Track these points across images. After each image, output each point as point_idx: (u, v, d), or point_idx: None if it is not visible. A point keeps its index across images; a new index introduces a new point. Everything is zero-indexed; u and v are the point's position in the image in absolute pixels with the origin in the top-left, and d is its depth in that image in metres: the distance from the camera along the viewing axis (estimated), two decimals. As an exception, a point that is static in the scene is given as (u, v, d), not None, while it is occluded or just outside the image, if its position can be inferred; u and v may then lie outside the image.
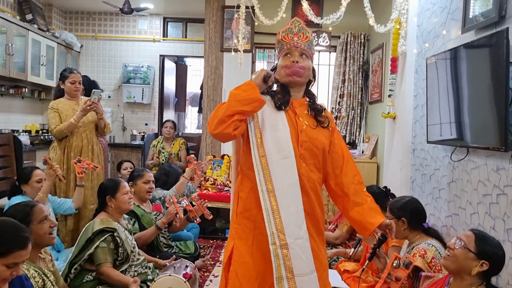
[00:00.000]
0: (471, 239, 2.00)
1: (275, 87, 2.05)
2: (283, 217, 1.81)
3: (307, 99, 2.03)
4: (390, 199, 3.21)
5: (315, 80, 2.09)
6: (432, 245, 2.46)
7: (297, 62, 1.92)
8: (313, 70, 2.06)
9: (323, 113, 2.02)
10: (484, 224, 2.63)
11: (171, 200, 3.33)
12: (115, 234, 2.66)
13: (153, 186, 3.47)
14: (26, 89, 5.67)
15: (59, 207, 3.32)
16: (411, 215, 2.61)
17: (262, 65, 6.08)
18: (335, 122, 5.62)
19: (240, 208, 1.96)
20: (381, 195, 3.28)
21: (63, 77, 3.74)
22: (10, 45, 4.90)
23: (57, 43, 6.09)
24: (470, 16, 2.80)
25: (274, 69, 2.06)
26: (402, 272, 2.28)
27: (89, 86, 4.49)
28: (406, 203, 2.67)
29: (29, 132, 5.69)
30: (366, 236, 2.06)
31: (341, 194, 2.02)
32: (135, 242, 2.87)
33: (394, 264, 2.26)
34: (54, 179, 3.18)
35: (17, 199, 2.94)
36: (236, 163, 2.08)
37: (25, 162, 4.78)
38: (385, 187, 3.54)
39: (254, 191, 1.88)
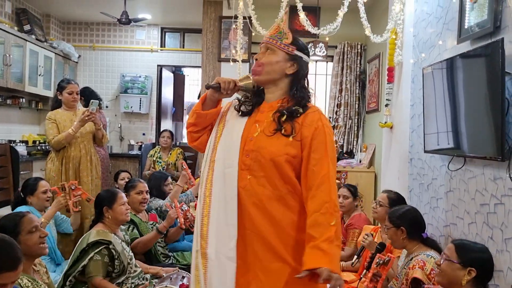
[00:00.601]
0: (452, 250, 2.06)
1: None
2: (210, 224, 1.65)
3: (283, 101, 1.76)
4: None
5: (302, 73, 1.79)
6: (431, 257, 2.44)
7: (256, 60, 1.76)
8: (297, 61, 1.76)
9: (286, 118, 1.70)
10: (482, 234, 2.63)
11: (173, 204, 3.31)
12: (111, 246, 2.63)
13: (147, 196, 3.44)
14: (24, 100, 5.66)
15: (60, 224, 3.32)
16: (410, 224, 2.60)
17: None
18: (334, 133, 5.64)
19: None
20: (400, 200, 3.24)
21: (60, 88, 3.75)
22: (7, 55, 4.91)
23: (55, 53, 6.10)
24: (466, 27, 2.81)
25: None
26: (381, 270, 2.31)
27: (90, 97, 4.52)
28: (405, 212, 2.66)
29: (26, 142, 5.68)
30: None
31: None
32: (132, 254, 2.84)
33: (378, 264, 2.28)
34: (61, 209, 3.15)
35: (21, 210, 2.93)
36: None
37: (21, 172, 4.76)
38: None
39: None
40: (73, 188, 3.22)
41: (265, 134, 1.70)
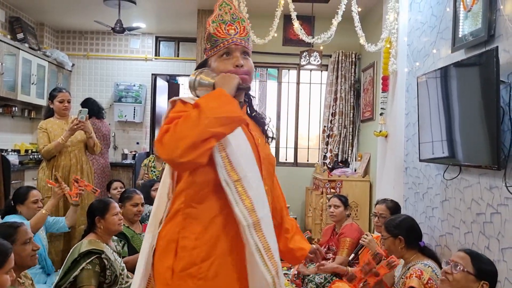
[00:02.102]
0: (468, 261, 1.97)
1: None
2: (275, 255, 1.43)
3: (247, 108, 1.62)
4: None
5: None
6: (429, 266, 2.42)
7: (242, 66, 1.49)
8: None
9: (268, 124, 1.67)
10: (478, 244, 2.61)
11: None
12: (103, 256, 2.58)
13: (142, 209, 3.39)
14: (16, 108, 5.61)
15: (52, 226, 3.26)
16: (407, 233, 2.57)
17: (253, 84, 6.09)
18: (326, 141, 5.66)
19: (182, 263, 1.37)
20: (398, 208, 3.22)
21: (52, 97, 3.72)
22: (0, 64, 4.87)
23: (48, 62, 6.07)
24: (460, 35, 2.82)
25: (200, 66, 1.58)
26: (382, 270, 2.28)
27: (93, 107, 4.52)
28: (402, 221, 2.63)
29: (18, 151, 5.62)
30: (295, 264, 1.85)
31: (275, 223, 1.57)
32: (124, 265, 2.79)
33: (376, 261, 2.27)
34: (60, 198, 3.20)
35: (11, 219, 2.89)
36: (172, 198, 1.48)
37: (13, 182, 4.70)
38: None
39: (207, 233, 1.39)
40: (76, 181, 3.27)
41: (263, 141, 1.59)
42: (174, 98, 1.49)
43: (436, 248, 3.13)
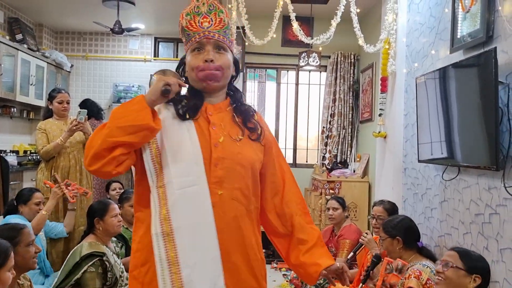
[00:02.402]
0: (456, 257, 2.05)
1: (184, 91, 1.51)
2: (184, 272, 1.29)
3: (231, 101, 1.52)
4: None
5: (238, 74, 1.58)
6: (427, 266, 2.42)
7: (211, 61, 1.40)
8: (236, 62, 1.53)
9: (250, 120, 1.50)
10: (477, 244, 2.61)
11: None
12: (104, 258, 2.58)
13: None
14: (15, 109, 5.60)
15: (51, 230, 3.26)
16: (405, 234, 2.58)
17: (253, 85, 6.10)
18: (325, 142, 5.66)
19: (131, 265, 1.41)
20: (396, 209, 3.21)
21: (51, 97, 3.72)
22: (-1, 65, 4.87)
23: (47, 63, 6.06)
24: (458, 36, 2.82)
25: (180, 66, 1.53)
26: (395, 278, 2.28)
27: (91, 108, 4.51)
28: (400, 222, 2.64)
29: (17, 152, 5.62)
30: (311, 284, 1.65)
31: (283, 231, 1.56)
32: (123, 266, 2.79)
33: (387, 271, 2.25)
34: (59, 198, 3.22)
35: (13, 218, 2.89)
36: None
37: (11, 183, 4.69)
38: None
39: (147, 237, 1.35)
40: (68, 184, 3.27)
41: (232, 139, 1.43)
42: None
43: (435, 249, 3.13)
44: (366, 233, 2.92)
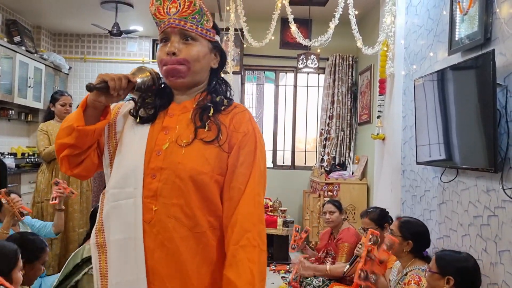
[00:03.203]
0: (433, 262, 2.13)
1: None
2: (109, 285, 1.21)
3: (200, 97, 1.31)
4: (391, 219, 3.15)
5: (223, 64, 1.38)
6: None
7: (174, 54, 1.24)
8: (219, 50, 1.35)
9: (209, 114, 1.26)
10: (475, 246, 2.61)
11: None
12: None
13: None
14: (13, 111, 5.59)
15: (38, 232, 3.20)
16: (418, 241, 2.55)
17: (251, 87, 6.10)
18: (323, 144, 5.65)
19: None
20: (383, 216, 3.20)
21: (53, 99, 3.75)
22: (-4, 67, 4.86)
23: (45, 65, 6.05)
24: (456, 38, 2.83)
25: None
26: (385, 254, 2.31)
27: None
28: (418, 230, 2.61)
29: (15, 155, 5.60)
30: None
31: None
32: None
33: (371, 241, 2.28)
34: (13, 215, 2.87)
35: None
36: None
37: (9, 185, 4.67)
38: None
39: None
40: (56, 184, 3.10)
41: (179, 145, 1.22)
42: None
43: (433, 251, 3.13)
44: (361, 245, 2.89)
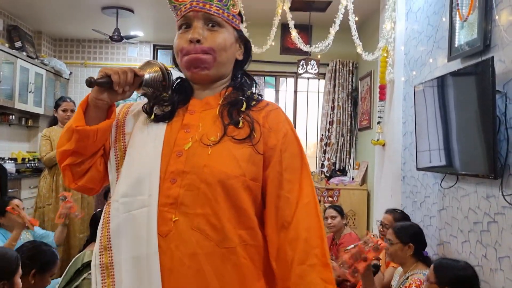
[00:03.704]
0: (431, 271, 2.14)
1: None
2: None
3: (226, 93, 1.15)
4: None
5: (248, 57, 1.21)
6: (427, 275, 2.42)
7: (198, 41, 1.08)
8: (244, 40, 1.19)
9: (239, 111, 1.10)
10: (475, 253, 2.60)
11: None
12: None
13: None
14: (13, 117, 5.60)
15: (41, 240, 3.21)
16: (417, 242, 2.58)
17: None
18: (323, 149, 5.64)
19: None
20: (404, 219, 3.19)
21: (56, 105, 3.81)
22: (-2, 72, 4.87)
23: (46, 70, 6.07)
24: (456, 45, 2.84)
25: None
26: (371, 254, 2.34)
27: None
28: (415, 230, 2.65)
29: (15, 160, 5.60)
30: None
31: (278, 273, 1.06)
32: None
33: (367, 246, 2.34)
34: (23, 228, 2.92)
35: None
36: None
37: (10, 190, 4.67)
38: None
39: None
40: (63, 199, 3.13)
41: (204, 144, 1.05)
42: None
43: (433, 257, 3.13)
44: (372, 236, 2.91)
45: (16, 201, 2.98)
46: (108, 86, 1.04)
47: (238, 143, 1.05)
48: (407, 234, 2.59)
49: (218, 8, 1.10)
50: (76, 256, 2.65)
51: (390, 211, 3.18)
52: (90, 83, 1.02)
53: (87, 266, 2.55)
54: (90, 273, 2.49)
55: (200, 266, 1.00)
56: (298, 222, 1.04)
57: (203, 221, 1.01)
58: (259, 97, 1.17)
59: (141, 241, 1.00)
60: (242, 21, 1.20)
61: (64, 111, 3.73)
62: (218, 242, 1.01)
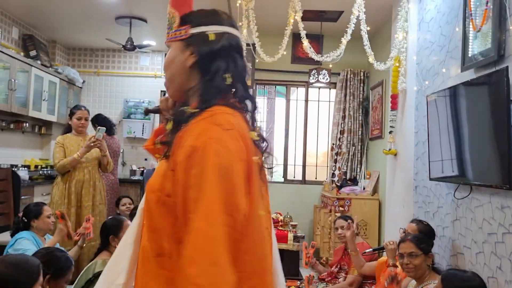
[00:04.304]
0: (439, 282, 2.17)
1: None
2: None
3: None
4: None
5: (202, 55, 1.09)
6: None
7: None
8: (196, 44, 1.10)
9: (171, 129, 1.07)
10: (490, 264, 2.57)
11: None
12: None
13: None
14: (27, 124, 5.67)
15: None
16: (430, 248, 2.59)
17: (262, 102, 6.14)
18: (334, 159, 5.61)
19: None
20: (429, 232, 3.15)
21: (71, 113, 3.84)
22: (12, 80, 4.94)
23: (60, 78, 6.15)
24: (469, 55, 2.83)
25: None
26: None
27: (103, 123, 4.55)
28: (431, 239, 2.68)
29: (28, 167, 5.66)
30: None
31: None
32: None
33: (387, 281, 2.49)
34: (63, 236, 3.04)
35: (24, 234, 2.89)
36: None
37: (22, 197, 4.72)
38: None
39: None
40: (87, 220, 3.14)
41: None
42: None
43: (446, 268, 3.09)
44: (392, 242, 2.90)
45: (47, 207, 3.09)
46: (158, 112, 1.26)
47: (164, 159, 1.07)
48: (427, 243, 2.59)
49: (168, 35, 1.16)
50: (88, 266, 2.66)
51: (416, 221, 3.09)
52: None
53: (98, 275, 2.55)
54: (101, 283, 2.51)
55: (141, 269, 1.06)
56: (184, 250, 0.93)
57: (149, 232, 1.05)
58: (200, 108, 1.05)
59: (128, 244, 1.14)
60: (197, 24, 1.12)
61: (78, 119, 3.77)
62: (154, 253, 1.03)
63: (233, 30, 1.14)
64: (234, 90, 1.10)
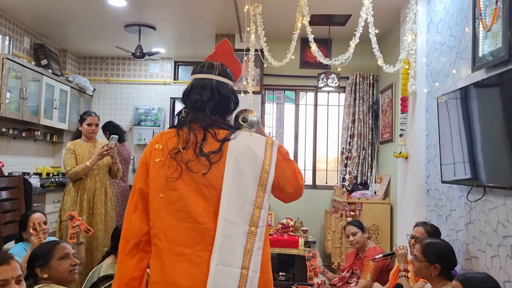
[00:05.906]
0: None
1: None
2: None
3: None
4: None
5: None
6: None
7: None
8: None
9: None
10: (506, 268, 2.52)
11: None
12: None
13: None
14: (39, 132, 5.73)
15: None
16: (445, 262, 2.45)
17: (271, 107, 6.13)
18: (344, 163, 5.56)
19: None
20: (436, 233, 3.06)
21: (81, 119, 3.85)
22: (24, 89, 5.00)
23: (71, 87, 6.21)
24: (480, 55, 2.79)
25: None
26: None
27: (114, 130, 4.58)
28: (443, 250, 2.50)
29: (40, 174, 5.71)
30: None
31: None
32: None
33: None
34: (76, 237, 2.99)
35: (17, 247, 2.84)
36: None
37: (34, 204, 4.75)
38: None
39: None
40: (71, 218, 3.03)
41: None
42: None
43: (461, 272, 3.04)
44: (402, 247, 2.86)
45: (37, 215, 2.92)
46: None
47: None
48: (434, 254, 2.45)
49: None
50: (93, 270, 2.66)
51: (421, 224, 3.05)
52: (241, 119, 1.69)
53: (103, 279, 2.55)
54: (106, 286, 2.50)
55: None
56: None
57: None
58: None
59: None
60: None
61: (89, 125, 3.78)
62: None
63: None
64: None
